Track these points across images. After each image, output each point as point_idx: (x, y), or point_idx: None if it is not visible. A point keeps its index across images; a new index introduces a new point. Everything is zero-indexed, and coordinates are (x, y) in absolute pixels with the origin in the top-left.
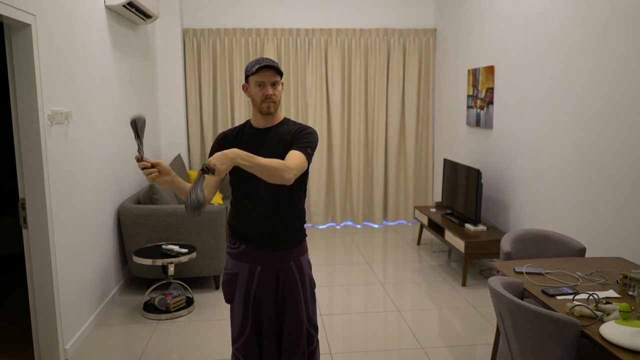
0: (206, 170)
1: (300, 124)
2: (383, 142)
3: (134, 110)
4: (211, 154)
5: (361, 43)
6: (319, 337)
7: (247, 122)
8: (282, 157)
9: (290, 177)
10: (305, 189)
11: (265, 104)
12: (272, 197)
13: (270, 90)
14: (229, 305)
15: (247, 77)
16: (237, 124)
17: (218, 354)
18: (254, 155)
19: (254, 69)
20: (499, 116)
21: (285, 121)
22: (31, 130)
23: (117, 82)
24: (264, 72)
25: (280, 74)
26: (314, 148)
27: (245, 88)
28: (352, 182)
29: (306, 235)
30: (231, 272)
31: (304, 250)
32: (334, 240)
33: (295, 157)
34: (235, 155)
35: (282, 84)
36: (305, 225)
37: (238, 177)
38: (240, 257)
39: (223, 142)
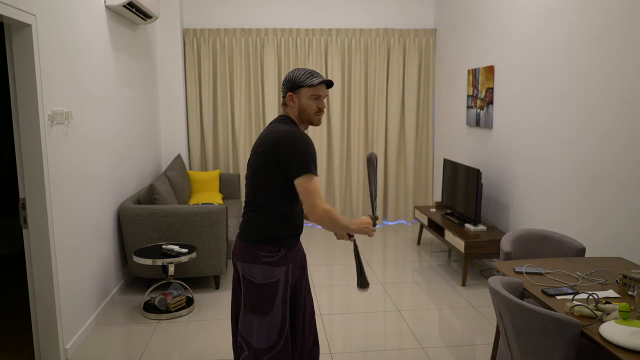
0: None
1: None
2: (383, 142)
3: (134, 110)
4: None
5: (361, 43)
6: (319, 336)
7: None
8: None
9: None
10: None
11: (318, 117)
12: None
13: (324, 104)
14: (230, 312)
15: (297, 87)
16: (237, 124)
17: (218, 354)
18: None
19: (313, 82)
20: (498, 116)
21: None
22: (31, 130)
23: (117, 82)
24: (322, 86)
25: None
26: None
27: (291, 97)
28: (351, 182)
29: None
30: (273, 280)
31: None
32: (333, 240)
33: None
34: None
35: None
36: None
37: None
38: (279, 263)
39: None
